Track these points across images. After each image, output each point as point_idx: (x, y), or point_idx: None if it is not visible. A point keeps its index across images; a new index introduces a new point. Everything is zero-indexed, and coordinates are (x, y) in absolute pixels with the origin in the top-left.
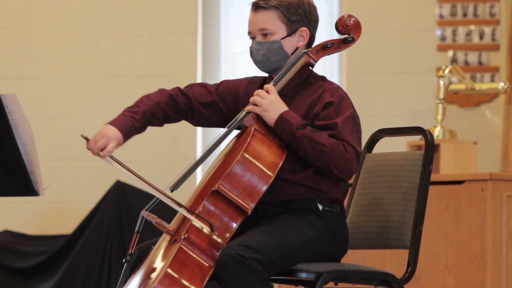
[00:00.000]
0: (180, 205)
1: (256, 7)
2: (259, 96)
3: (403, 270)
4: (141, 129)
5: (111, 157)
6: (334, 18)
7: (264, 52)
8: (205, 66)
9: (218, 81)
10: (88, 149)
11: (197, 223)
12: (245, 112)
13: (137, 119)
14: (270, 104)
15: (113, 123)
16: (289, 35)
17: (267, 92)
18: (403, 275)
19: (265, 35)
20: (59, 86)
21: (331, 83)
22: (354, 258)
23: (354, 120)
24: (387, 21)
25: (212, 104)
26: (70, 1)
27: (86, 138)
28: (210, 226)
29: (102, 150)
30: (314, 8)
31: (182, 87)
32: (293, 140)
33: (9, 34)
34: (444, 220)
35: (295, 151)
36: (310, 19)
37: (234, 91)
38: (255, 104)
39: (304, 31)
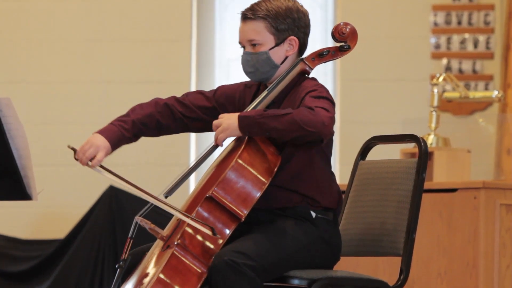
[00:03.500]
0: (177, 210)
1: (244, 17)
2: (214, 126)
3: (395, 278)
4: (131, 139)
5: (101, 166)
6: (329, 25)
7: (253, 63)
8: (200, 72)
9: (212, 87)
10: (76, 159)
11: (198, 226)
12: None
13: (127, 129)
14: (225, 120)
15: (101, 132)
16: (277, 45)
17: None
18: (395, 283)
19: (253, 45)
20: (53, 90)
21: (313, 83)
22: (347, 265)
23: (323, 96)
24: (381, 29)
25: (211, 110)
26: (64, 6)
27: (74, 149)
28: (212, 229)
29: (91, 160)
30: (304, 15)
31: (178, 95)
32: (262, 128)
33: (3, 38)
34: (437, 228)
35: (289, 158)
36: (299, 27)
37: (231, 96)
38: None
39: (293, 39)
